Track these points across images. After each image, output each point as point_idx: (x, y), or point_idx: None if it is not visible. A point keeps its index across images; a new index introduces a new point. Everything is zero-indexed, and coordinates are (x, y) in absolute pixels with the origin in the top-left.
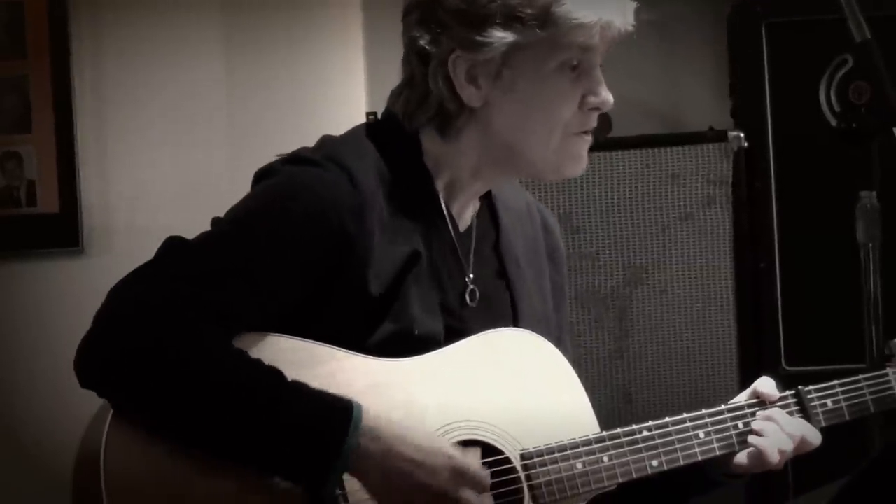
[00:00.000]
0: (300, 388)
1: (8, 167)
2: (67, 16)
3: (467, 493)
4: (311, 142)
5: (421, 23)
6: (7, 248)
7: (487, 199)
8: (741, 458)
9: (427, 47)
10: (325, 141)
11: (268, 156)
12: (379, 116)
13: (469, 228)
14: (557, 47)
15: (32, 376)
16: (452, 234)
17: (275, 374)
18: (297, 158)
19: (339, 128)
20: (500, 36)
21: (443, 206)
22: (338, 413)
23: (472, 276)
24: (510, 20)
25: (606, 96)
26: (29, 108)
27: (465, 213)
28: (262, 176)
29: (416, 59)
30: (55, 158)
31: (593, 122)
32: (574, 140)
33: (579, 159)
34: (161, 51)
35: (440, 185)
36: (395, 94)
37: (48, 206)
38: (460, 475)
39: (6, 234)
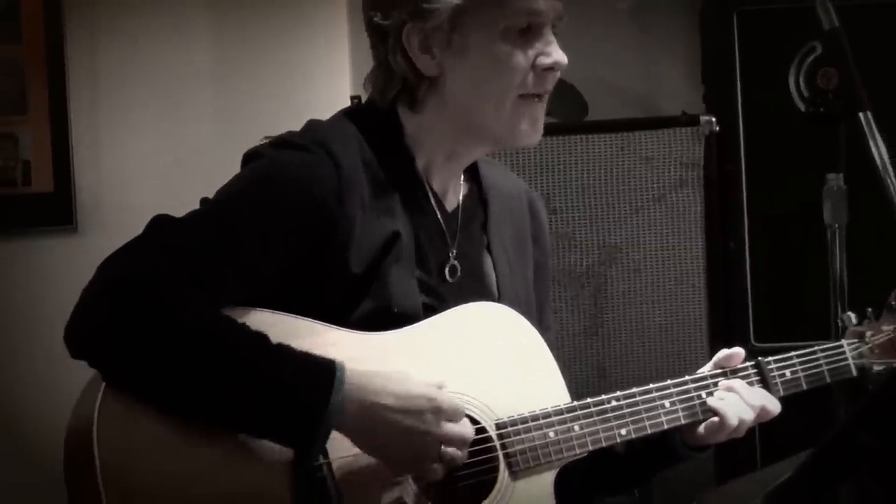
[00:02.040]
0: (284, 350)
1: (4, 148)
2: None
3: (448, 427)
4: (296, 125)
5: (374, 1)
6: (2, 227)
7: (476, 183)
8: (704, 427)
9: (382, 23)
10: (311, 125)
11: (255, 138)
12: (363, 100)
13: (457, 209)
14: (503, 9)
15: (27, 353)
16: (437, 212)
17: (259, 337)
18: (283, 142)
19: (324, 111)
20: (445, 0)
21: (425, 184)
22: (322, 372)
23: (454, 251)
24: None
25: (558, 56)
26: (24, 91)
27: (450, 192)
28: (249, 158)
29: (377, 39)
30: (49, 140)
31: (549, 83)
32: (528, 103)
33: (535, 124)
34: (153, 35)
35: (420, 164)
36: (368, 79)
37: (43, 185)
38: (440, 411)
39: (2, 214)
